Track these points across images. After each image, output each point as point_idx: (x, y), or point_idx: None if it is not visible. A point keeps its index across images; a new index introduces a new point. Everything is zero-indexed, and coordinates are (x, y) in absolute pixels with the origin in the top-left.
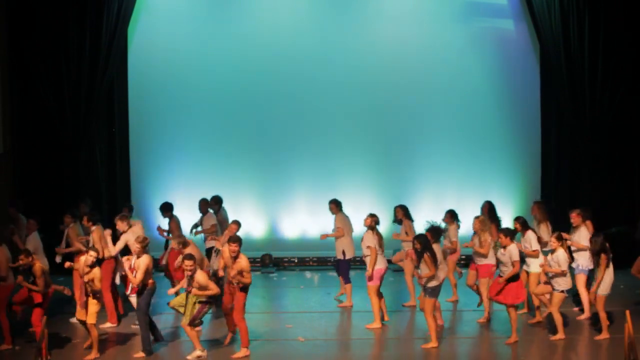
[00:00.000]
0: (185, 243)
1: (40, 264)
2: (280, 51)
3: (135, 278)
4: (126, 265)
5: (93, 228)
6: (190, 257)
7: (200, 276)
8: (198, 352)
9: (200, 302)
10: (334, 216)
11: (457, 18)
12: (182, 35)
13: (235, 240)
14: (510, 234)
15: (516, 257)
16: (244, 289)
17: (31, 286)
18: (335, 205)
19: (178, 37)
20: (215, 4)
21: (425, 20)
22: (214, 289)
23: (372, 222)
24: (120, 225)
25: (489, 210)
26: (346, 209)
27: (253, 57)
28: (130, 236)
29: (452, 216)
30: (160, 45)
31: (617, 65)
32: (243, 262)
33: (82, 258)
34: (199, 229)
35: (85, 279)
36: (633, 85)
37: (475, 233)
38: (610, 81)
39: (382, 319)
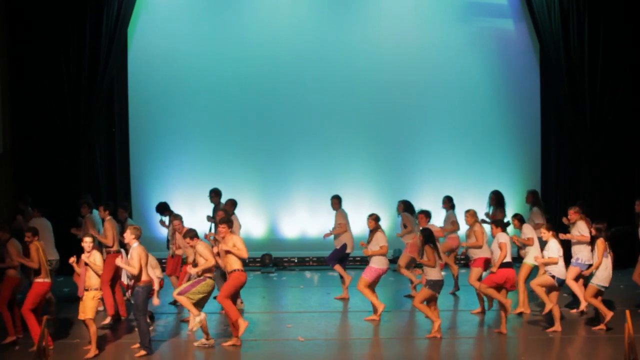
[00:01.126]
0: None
1: (36, 242)
2: (280, 51)
3: (133, 267)
4: (123, 260)
5: (108, 217)
6: (191, 235)
7: (200, 246)
8: (195, 320)
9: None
10: (334, 212)
11: (457, 18)
12: (182, 35)
13: (224, 221)
14: (502, 225)
15: (502, 239)
16: (236, 277)
17: (27, 262)
18: (337, 201)
19: (178, 37)
20: (215, 4)
21: (425, 20)
22: (209, 258)
23: (375, 223)
24: (128, 237)
25: (496, 199)
26: (347, 209)
27: (253, 56)
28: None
29: (449, 201)
30: (160, 45)
31: (617, 65)
32: (237, 241)
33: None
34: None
35: (85, 260)
36: (633, 85)
37: (470, 227)
38: (610, 81)
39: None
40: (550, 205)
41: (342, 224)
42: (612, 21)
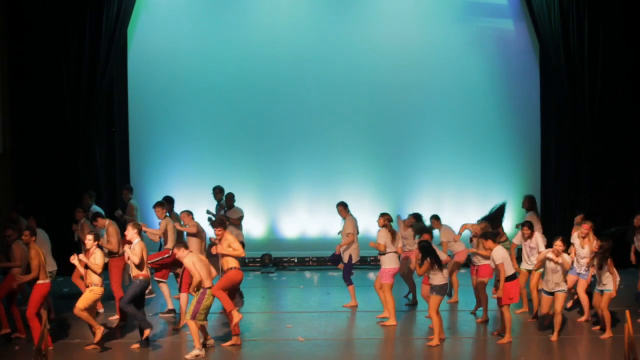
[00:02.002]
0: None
1: (35, 245)
2: (280, 51)
3: (136, 256)
4: (126, 255)
5: (107, 222)
6: (180, 246)
7: (188, 260)
8: (197, 352)
9: (197, 290)
10: (334, 212)
11: (457, 18)
12: (182, 35)
13: (218, 224)
14: (492, 237)
15: (499, 260)
16: (233, 274)
17: (30, 263)
18: (344, 208)
19: (178, 37)
20: (215, 4)
21: (425, 20)
22: (195, 275)
23: (385, 221)
24: (131, 234)
25: (529, 204)
26: None
27: (253, 56)
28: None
29: (435, 219)
30: (160, 45)
31: (617, 65)
32: (233, 242)
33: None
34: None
35: (85, 261)
36: (633, 85)
37: (477, 236)
38: (610, 81)
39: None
40: (551, 205)
41: (350, 235)
42: (612, 21)
